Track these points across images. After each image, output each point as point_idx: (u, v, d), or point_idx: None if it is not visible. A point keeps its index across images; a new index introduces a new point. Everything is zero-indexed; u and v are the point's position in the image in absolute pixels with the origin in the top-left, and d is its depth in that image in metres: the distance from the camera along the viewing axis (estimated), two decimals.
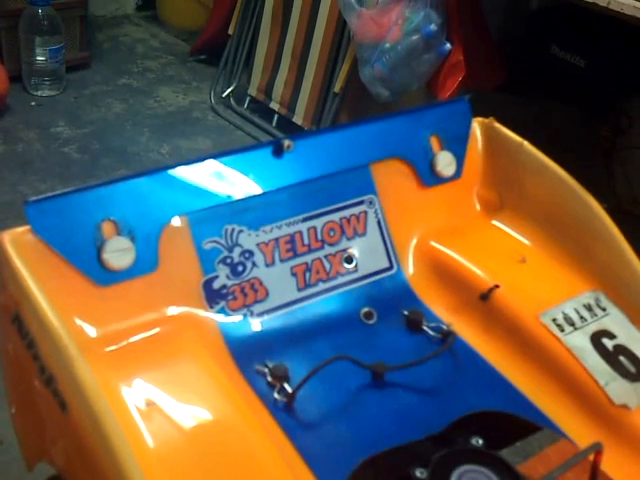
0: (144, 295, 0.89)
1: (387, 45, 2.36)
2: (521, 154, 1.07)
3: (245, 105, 3.09)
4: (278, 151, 0.98)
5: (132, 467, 0.68)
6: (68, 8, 3.09)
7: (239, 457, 0.78)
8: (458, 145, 1.10)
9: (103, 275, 0.86)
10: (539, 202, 1.06)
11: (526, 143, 1.07)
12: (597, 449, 0.79)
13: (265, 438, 0.80)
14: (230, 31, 3.06)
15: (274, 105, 2.98)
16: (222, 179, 0.94)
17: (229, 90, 3.12)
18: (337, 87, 2.69)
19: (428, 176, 1.08)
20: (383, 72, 2.41)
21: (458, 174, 1.10)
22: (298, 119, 2.88)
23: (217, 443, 0.79)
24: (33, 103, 3.00)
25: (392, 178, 1.07)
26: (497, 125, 1.11)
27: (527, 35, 2.46)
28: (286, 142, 0.97)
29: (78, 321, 0.84)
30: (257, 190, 0.96)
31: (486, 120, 1.12)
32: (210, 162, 0.94)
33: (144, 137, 2.88)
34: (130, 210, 0.88)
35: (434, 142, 1.08)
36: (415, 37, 2.32)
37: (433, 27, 2.30)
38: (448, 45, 2.32)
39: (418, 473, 0.79)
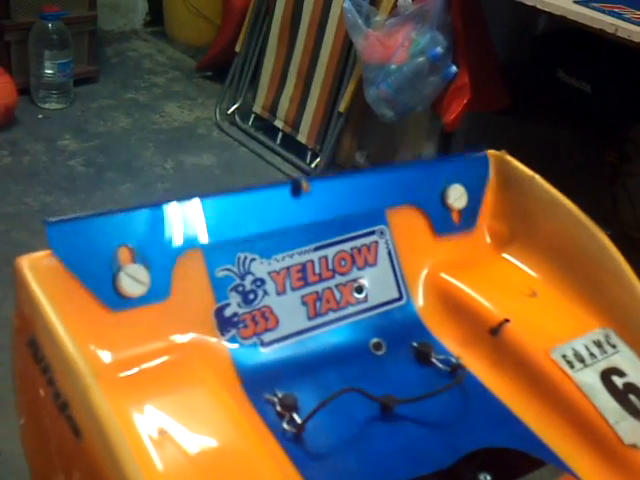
0: (157, 321, 0.89)
1: (393, 66, 2.38)
2: (532, 188, 1.07)
3: (250, 122, 3.11)
4: (296, 191, 0.99)
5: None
6: (77, 23, 3.13)
7: None
8: (474, 197, 1.10)
9: (117, 300, 0.86)
10: (549, 236, 1.06)
11: (537, 177, 1.07)
12: None
13: (274, 468, 0.80)
14: (237, 49, 3.08)
15: (279, 123, 2.99)
16: (239, 215, 0.95)
17: (234, 107, 3.14)
18: (342, 107, 2.71)
19: (442, 226, 1.09)
20: (388, 93, 2.42)
21: (472, 224, 1.11)
22: (302, 137, 2.90)
23: (226, 472, 0.79)
24: (40, 116, 3.03)
25: (405, 219, 1.08)
26: (509, 158, 1.11)
27: (533, 59, 2.48)
28: (304, 182, 0.98)
29: (92, 347, 0.84)
30: (272, 227, 0.97)
31: (498, 153, 1.12)
32: (229, 197, 0.95)
33: (149, 152, 2.90)
34: (147, 238, 0.88)
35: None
36: (421, 59, 2.34)
37: (439, 50, 2.32)
38: (454, 68, 2.33)
39: None
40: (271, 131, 3.03)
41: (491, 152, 1.12)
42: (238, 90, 3.14)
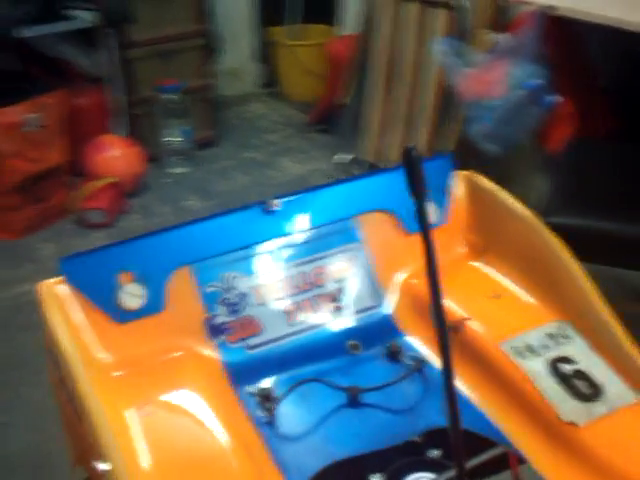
0: (155, 330, 1.07)
1: (493, 102, 2.41)
2: (496, 200, 1.18)
3: (362, 169, 3.20)
4: (268, 209, 1.14)
5: (116, 457, 0.85)
6: (196, 92, 3.37)
7: (217, 468, 0.93)
8: (440, 196, 1.22)
9: (120, 314, 1.06)
10: (513, 242, 1.16)
11: (501, 191, 1.18)
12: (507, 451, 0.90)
13: (244, 453, 0.94)
14: (344, 100, 3.20)
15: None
16: (221, 234, 1.12)
17: (346, 156, 3.24)
18: (447, 146, 2.75)
19: (412, 224, 1.17)
20: (491, 128, 2.45)
21: (442, 220, 1.21)
22: None
23: (200, 456, 0.93)
24: (168, 180, 3.26)
25: (377, 227, 1.19)
26: (477, 176, 1.23)
27: None
28: (274, 201, 1.14)
29: (95, 351, 1.03)
30: (249, 241, 1.12)
31: (467, 173, 1.24)
32: (211, 221, 1.12)
33: None
34: (142, 263, 1.07)
35: None
36: (520, 92, 2.36)
37: (537, 81, 2.33)
38: (554, 97, 2.34)
39: (374, 479, 0.91)
40: None
41: (461, 173, 1.24)
42: (348, 139, 3.24)
